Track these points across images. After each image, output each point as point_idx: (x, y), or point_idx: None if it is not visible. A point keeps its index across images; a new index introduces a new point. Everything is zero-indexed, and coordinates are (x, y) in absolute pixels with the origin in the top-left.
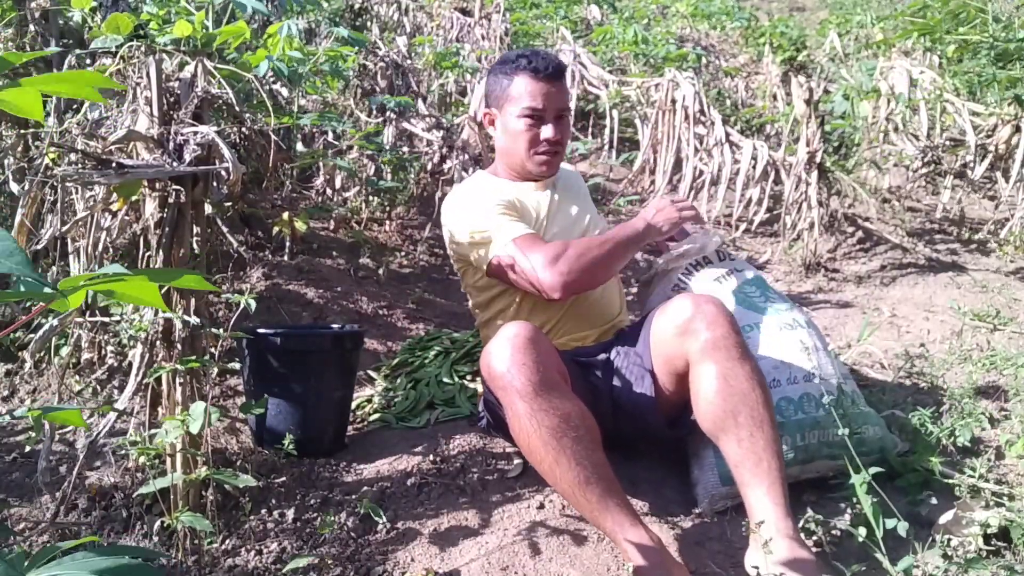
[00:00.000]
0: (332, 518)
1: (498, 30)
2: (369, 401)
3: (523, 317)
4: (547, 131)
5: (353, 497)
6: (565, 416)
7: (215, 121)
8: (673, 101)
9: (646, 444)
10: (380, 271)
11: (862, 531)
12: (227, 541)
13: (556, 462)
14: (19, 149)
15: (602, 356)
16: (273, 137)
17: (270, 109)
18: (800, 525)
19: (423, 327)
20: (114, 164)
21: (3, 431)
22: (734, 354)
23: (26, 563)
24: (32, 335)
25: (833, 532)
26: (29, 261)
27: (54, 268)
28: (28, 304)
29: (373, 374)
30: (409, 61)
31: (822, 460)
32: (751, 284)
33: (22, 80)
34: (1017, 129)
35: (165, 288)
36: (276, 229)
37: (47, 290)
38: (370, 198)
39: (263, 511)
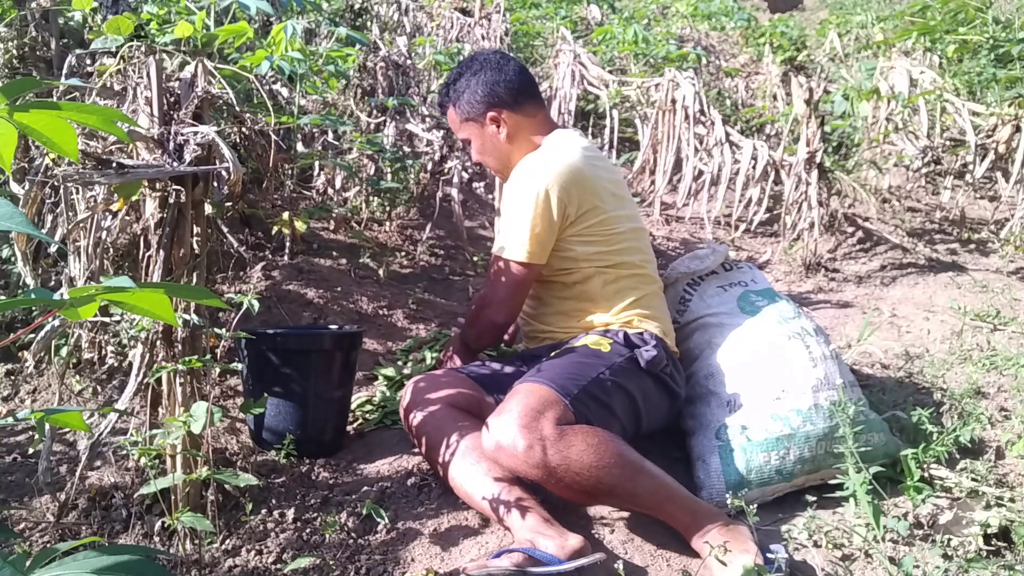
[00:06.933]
0: (333, 518)
1: (498, 30)
2: (369, 401)
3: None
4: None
5: (353, 497)
6: (444, 441)
7: (215, 121)
8: (673, 101)
9: (650, 441)
10: (380, 271)
11: (862, 531)
12: (227, 541)
13: (444, 478)
14: (19, 149)
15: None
16: (273, 137)
17: (270, 109)
18: (800, 526)
19: (423, 327)
20: (114, 164)
21: (3, 431)
22: (543, 477)
23: (27, 563)
24: (33, 335)
25: (833, 532)
26: (29, 221)
27: (66, 272)
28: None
29: (374, 374)
30: (409, 61)
31: (828, 469)
32: (758, 294)
33: (46, 103)
34: (1017, 129)
35: None
36: (276, 229)
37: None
38: (370, 198)
39: (263, 511)
